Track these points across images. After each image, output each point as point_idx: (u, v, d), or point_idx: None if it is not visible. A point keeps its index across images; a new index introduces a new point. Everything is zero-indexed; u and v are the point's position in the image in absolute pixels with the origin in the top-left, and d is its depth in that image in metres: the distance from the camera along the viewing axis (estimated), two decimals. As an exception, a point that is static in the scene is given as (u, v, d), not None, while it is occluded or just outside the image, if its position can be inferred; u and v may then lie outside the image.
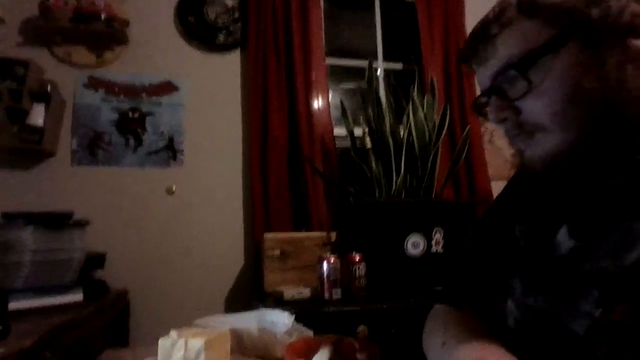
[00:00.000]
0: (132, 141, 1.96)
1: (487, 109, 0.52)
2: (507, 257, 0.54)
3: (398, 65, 2.43)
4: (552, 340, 0.45)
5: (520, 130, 0.48)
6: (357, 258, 1.49)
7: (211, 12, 2.12)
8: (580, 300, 0.42)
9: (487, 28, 0.49)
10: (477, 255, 0.62)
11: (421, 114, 1.82)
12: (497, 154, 2.28)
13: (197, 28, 2.10)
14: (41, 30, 1.90)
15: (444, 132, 1.84)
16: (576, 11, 0.44)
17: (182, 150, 2.01)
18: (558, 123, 0.44)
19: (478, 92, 0.56)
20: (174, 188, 1.96)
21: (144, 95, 2.01)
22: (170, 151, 1.99)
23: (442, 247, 1.58)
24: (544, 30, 0.45)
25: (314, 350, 0.58)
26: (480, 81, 0.53)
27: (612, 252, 0.41)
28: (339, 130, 2.11)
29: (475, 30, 0.51)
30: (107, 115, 1.96)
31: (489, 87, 0.50)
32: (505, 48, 0.47)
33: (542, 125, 0.46)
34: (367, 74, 1.95)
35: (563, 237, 0.46)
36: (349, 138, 1.94)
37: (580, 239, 0.45)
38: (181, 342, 0.59)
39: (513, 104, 0.47)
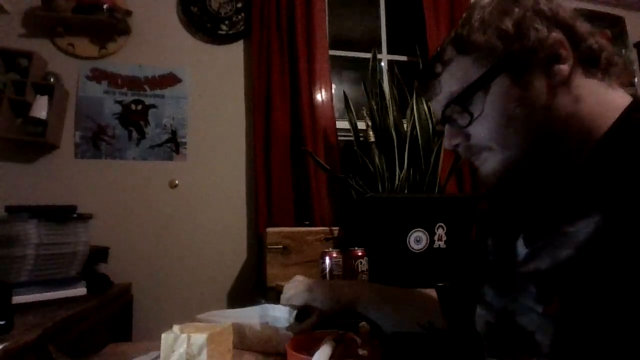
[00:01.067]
0: (135, 134, 1.96)
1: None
2: (481, 268, 0.61)
3: (402, 57, 2.40)
4: (508, 336, 0.49)
5: (470, 152, 0.55)
6: (360, 253, 1.48)
7: (214, 2, 2.10)
8: (522, 297, 0.47)
9: (433, 67, 0.55)
10: (465, 270, 0.71)
11: (425, 107, 1.81)
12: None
13: (200, 18, 2.08)
14: (44, 21, 1.90)
15: (448, 125, 1.82)
16: (500, 48, 0.49)
17: (185, 144, 2.01)
18: (499, 144, 0.51)
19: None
20: (176, 182, 1.96)
21: (146, 87, 2.00)
22: (173, 144, 1.99)
23: (445, 242, 1.57)
24: (475, 66, 0.51)
25: (316, 346, 0.58)
26: (434, 112, 0.61)
27: (549, 252, 0.45)
28: (342, 123, 2.10)
29: (424, 69, 0.57)
30: (110, 107, 1.95)
31: (441, 118, 0.56)
32: (448, 85, 0.53)
33: (488, 147, 0.52)
34: (370, 65, 1.93)
35: (520, 246, 0.52)
36: (352, 131, 1.93)
37: (531, 245, 0.50)
38: (184, 337, 0.59)
39: (463, 131, 0.54)
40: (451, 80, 0.53)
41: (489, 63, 0.50)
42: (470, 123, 0.52)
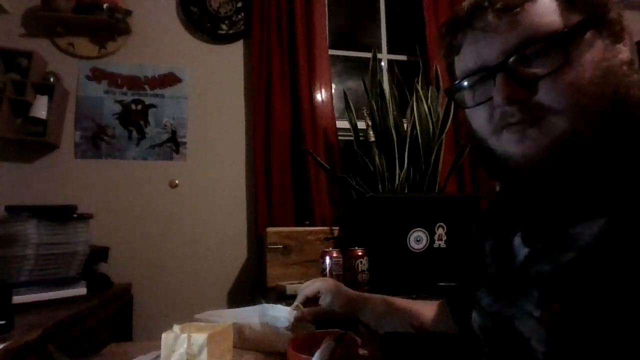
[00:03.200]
0: (135, 134, 1.96)
1: (465, 94, 0.50)
2: (478, 272, 0.58)
3: (402, 57, 2.40)
4: (506, 342, 0.48)
5: (531, 113, 0.44)
6: (360, 253, 1.49)
7: (214, 2, 2.10)
8: (523, 302, 0.45)
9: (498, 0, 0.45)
10: (464, 273, 0.69)
11: (425, 107, 1.81)
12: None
13: (200, 18, 2.08)
14: (44, 21, 1.90)
15: (448, 125, 1.82)
16: (601, 6, 0.45)
17: (185, 143, 2.01)
18: (573, 108, 0.42)
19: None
20: (176, 182, 1.96)
21: (146, 87, 2.00)
22: (173, 144, 1.99)
23: (445, 242, 1.57)
24: (564, 13, 0.44)
25: (316, 346, 0.58)
26: (472, 59, 0.48)
27: (551, 255, 0.43)
28: (342, 123, 2.10)
29: (482, 2, 0.46)
30: (110, 107, 1.95)
31: (500, 62, 0.45)
32: (531, 22, 0.44)
33: (556, 109, 0.43)
34: (370, 65, 1.93)
35: (518, 245, 0.49)
36: (352, 131, 1.93)
37: (531, 245, 0.47)
38: (184, 336, 0.59)
39: (532, 81, 0.44)
40: (537, 18, 0.44)
41: (582, 13, 0.44)
42: (553, 71, 0.42)
